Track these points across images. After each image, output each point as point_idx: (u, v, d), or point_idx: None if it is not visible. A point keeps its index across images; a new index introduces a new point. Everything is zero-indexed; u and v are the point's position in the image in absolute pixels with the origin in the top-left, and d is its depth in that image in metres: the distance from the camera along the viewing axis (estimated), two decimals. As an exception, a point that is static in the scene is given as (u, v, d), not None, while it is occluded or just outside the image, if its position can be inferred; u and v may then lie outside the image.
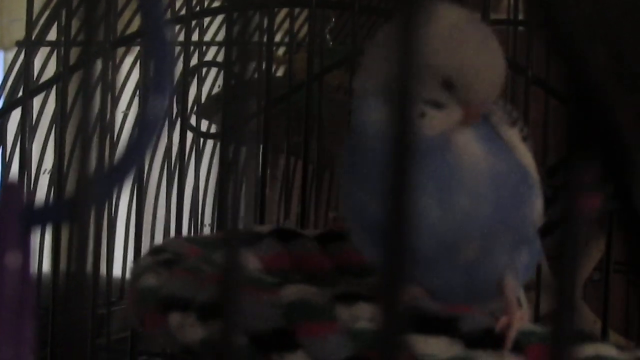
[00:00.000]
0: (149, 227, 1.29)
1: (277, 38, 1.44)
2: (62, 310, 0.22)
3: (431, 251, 0.52)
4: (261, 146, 0.87)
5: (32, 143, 1.05)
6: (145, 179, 1.23)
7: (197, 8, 1.02)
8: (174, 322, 0.55)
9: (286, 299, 0.52)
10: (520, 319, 0.52)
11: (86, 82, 0.24)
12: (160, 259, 0.62)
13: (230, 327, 0.21)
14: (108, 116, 0.96)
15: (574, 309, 0.22)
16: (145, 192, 1.25)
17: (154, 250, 0.66)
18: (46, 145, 1.18)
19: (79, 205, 0.23)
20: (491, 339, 0.51)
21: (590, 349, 0.52)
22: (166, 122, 1.14)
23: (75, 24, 0.97)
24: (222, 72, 1.11)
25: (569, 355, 0.22)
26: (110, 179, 0.32)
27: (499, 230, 0.54)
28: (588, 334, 0.56)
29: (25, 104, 0.93)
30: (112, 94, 1.00)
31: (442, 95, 0.52)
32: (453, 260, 0.54)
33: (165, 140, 1.15)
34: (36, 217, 0.35)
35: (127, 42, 1.02)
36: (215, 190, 1.35)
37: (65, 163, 0.93)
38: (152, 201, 1.32)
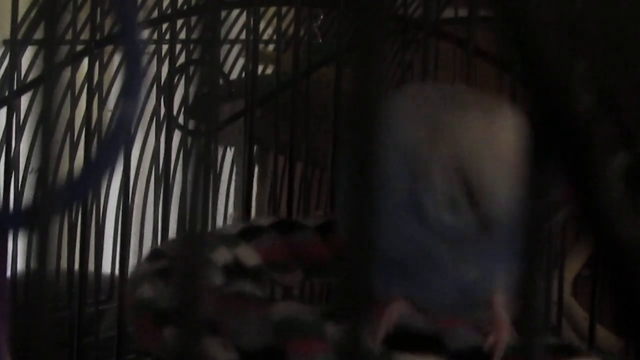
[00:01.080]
0: (138, 225, 1.29)
1: (267, 36, 1.44)
2: (23, 312, 0.22)
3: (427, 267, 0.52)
4: (247, 144, 0.87)
5: (19, 142, 1.05)
6: (133, 176, 1.23)
7: (185, 7, 1.02)
8: (169, 336, 0.55)
9: (277, 316, 0.52)
10: (508, 335, 0.52)
11: (51, 83, 0.24)
12: (158, 266, 0.61)
13: (189, 333, 0.21)
14: (95, 115, 0.96)
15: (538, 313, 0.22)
16: (134, 190, 1.25)
17: (152, 255, 0.65)
18: (34, 145, 1.18)
19: (41, 210, 0.22)
20: (478, 356, 0.51)
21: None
22: (153, 122, 1.14)
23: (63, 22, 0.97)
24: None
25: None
26: (82, 182, 0.32)
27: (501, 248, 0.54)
28: (577, 347, 0.56)
29: (10, 103, 0.93)
30: (99, 93, 1.00)
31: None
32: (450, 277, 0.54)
33: (154, 138, 1.15)
34: (9, 220, 0.35)
35: (114, 40, 1.01)
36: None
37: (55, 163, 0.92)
38: (142, 198, 1.32)
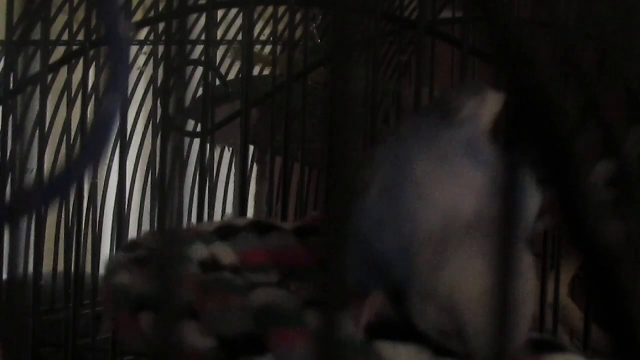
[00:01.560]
0: (135, 226, 1.29)
1: (265, 37, 1.44)
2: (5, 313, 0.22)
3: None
4: (242, 145, 0.87)
5: (16, 142, 1.04)
6: (130, 177, 1.23)
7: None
8: (145, 322, 0.55)
9: (256, 303, 0.52)
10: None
11: (44, 85, 0.24)
12: (134, 255, 0.61)
13: (167, 319, 0.21)
14: (91, 115, 0.96)
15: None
16: (131, 191, 1.25)
17: (129, 246, 0.65)
18: (31, 144, 1.18)
19: (16, 208, 0.22)
20: None
21: (559, 358, 0.52)
22: (150, 124, 1.14)
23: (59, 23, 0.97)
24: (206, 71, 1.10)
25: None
26: (66, 174, 0.32)
27: None
28: (559, 343, 0.56)
29: (5, 103, 0.93)
30: (95, 93, 1.00)
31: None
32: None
33: (151, 139, 1.15)
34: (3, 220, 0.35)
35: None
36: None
37: (52, 162, 0.92)
38: (139, 199, 1.32)
